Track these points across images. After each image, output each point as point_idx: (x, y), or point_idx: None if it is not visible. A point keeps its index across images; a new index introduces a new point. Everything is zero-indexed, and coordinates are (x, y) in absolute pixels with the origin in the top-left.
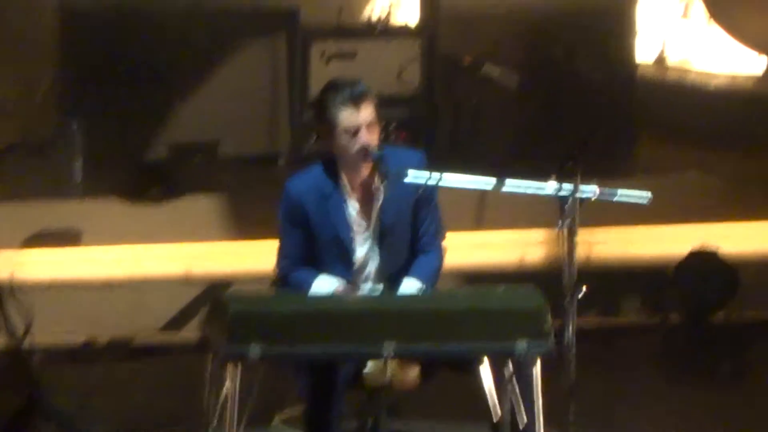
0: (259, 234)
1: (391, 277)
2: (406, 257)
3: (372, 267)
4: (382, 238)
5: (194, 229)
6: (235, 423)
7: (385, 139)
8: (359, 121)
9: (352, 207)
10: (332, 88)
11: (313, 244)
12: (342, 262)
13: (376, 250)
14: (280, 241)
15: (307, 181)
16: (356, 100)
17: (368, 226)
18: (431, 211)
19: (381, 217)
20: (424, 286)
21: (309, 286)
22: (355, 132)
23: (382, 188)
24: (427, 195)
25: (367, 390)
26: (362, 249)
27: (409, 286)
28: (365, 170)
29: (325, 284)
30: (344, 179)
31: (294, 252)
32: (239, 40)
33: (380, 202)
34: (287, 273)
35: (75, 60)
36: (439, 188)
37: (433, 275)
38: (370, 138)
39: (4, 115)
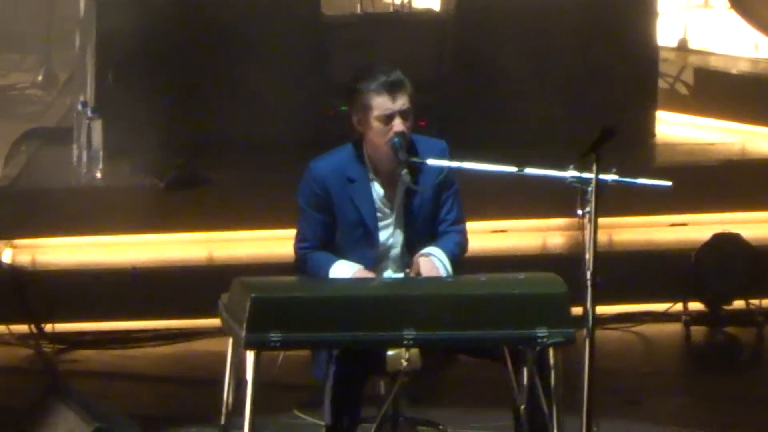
0: (282, 221)
1: (411, 263)
2: (428, 244)
3: (393, 253)
4: (405, 224)
5: (215, 217)
6: (254, 410)
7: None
8: (394, 109)
9: (377, 192)
10: (368, 73)
11: (332, 227)
12: (364, 247)
13: (399, 237)
14: (299, 224)
15: (331, 163)
16: (393, 88)
17: (391, 212)
18: (452, 197)
19: (405, 203)
20: (446, 257)
21: (327, 271)
22: (388, 120)
23: (404, 178)
24: (449, 181)
25: (387, 376)
26: (384, 234)
27: (430, 249)
28: (392, 157)
29: (343, 270)
30: (370, 163)
31: (313, 235)
32: (261, 27)
33: (404, 188)
34: (305, 256)
35: (99, 47)
36: (460, 178)
37: (454, 249)
38: (404, 126)
39: (26, 101)
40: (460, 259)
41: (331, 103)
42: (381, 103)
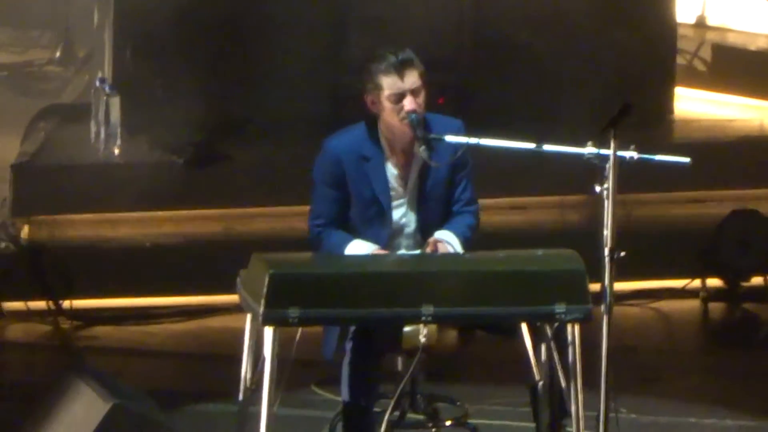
0: (300, 197)
1: (425, 243)
2: (440, 224)
3: (407, 232)
4: (419, 203)
5: (233, 193)
6: (273, 386)
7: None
8: (404, 87)
9: (391, 171)
10: (378, 54)
11: (346, 205)
12: (378, 225)
13: (412, 215)
14: (313, 201)
15: (347, 141)
16: (400, 67)
17: (405, 191)
18: (466, 177)
19: (419, 182)
20: (458, 238)
21: (342, 249)
22: (399, 98)
23: (421, 154)
24: (464, 161)
25: (405, 352)
26: (398, 213)
27: (442, 234)
28: (406, 136)
29: (359, 249)
30: (385, 143)
31: (327, 213)
32: (279, 4)
33: (419, 167)
34: (320, 234)
35: (118, 24)
36: (478, 155)
37: (466, 233)
38: (415, 104)
39: (43, 77)
40: (471, 240)
41: (348, 81)
42: (391, 83)
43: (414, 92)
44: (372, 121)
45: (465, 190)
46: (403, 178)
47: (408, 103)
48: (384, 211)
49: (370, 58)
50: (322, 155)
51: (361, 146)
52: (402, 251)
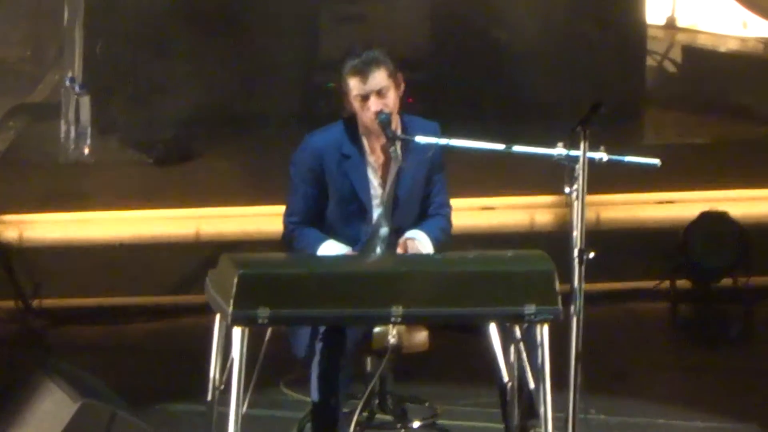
0: (269, 198)
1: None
2: (414, 225)
3: (383, 232)
4: (395, 203)
5: (204, 193)
6: (242, 386)
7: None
8: (367, 88)
9: (371, 170)
10: (347, 54)
11: (323, 203)
12: (357, 223)
13: (389, 216)
14: (290, 198)
15: (328, 138)
16: (363, 68)
17: (383, 190)
18: (441, 179)
19: (396, 183)
20: (429, 238)
21: (316, 249)
22: (364, 99)
23: (398, 154)
24: (439, 163)
25: (374, 352)
26: (376, 212)
27: (414, 233)
28: (381, 135)
29: (332, 249)
30: (364, 141)
31: (303, 210)
32: (249, 2)
33: (397, 167)
34: (294, 231)
35: (88, 22)
36: (447, 155)
37: (438, 235)
38: (382, 104)
39: (13, 75)
40: (443, 243)
41: (321, 79)
42: (354, 85)
43: (380, 93)
44: (352, 119)
45: (439, 192)
46: (383, 177)
47: (372, 104)
48: (365, 210)
49: (342, 58)
50: (301, 150)
51: (341, 144)
52: (377, 251)
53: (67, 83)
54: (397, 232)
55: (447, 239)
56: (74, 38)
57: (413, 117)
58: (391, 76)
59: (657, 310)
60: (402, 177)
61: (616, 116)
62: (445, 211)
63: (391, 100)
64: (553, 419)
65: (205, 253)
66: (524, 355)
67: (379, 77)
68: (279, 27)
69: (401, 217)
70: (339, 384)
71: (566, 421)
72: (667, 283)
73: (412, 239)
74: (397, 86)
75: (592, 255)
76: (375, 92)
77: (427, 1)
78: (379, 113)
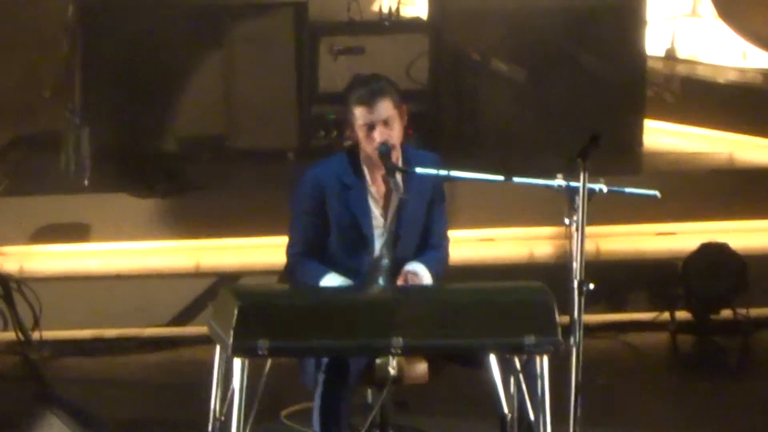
0: (268, 230)
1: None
2: (414, 257)
3: (384, 262)
4: (396, 234)
5: (203, 225)
6: (242, 418)
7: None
8: (373, 118)
9: (372, 200)
10: (352, 84)
11: (325, 234)
12: (359, 253)
13: (390, 247)
14: (291, 229)
15: (329, 169)
16: (370, 98)
17: (385, 221)
18: (441, 211)
19: (397, 214)
20: (429, 272)
21: (317, 281)
22: (370, 129)
23: (399, 186)
24: (440, 195)
25: (375, 384)
26: (377, 243)
27: (414, 266)
28: (385, 166)
29: (333, 282)
30: (366, 171)
31: (305, 241)
32: (248, 34)
33: (398, 198)
34: (296, 263)
35: (83, 54)
36: (447, 186)
37: (439, 268)
38: (387, 134)
39: (12, 108)
40: (441, 276)
41: (319, 111)
42: (360, 114)
43: (386, 123)
44: (354, 149)
45: (439, 223)
46: (384, 207)
47: (378, 135)
48: (366, 239)
49: (347, 87)
50: (302, 182)
51: (342, 174)
52: (379, 282)
53: (67, 114)
54: (397, 263)
55: (444, 272)
56: (74, 68)
57: (414, 148)
58: (397, 107)
59: (657, 341)
60: (403, 208)
61: (616, 147)
62: (444, 243)
63: (396, 130)
64: None
65: (205, 285)
66: (524, 387)
67: (386, 107)
68: (277, 59)
69: (402, 248)
70: (341, 415)
71: None
72: (666, 315)
73: (414, 273)
74: (401, 117)
75: (591, 286)
76: (381, 122)
77: (425, 34)
78: (380, 144)
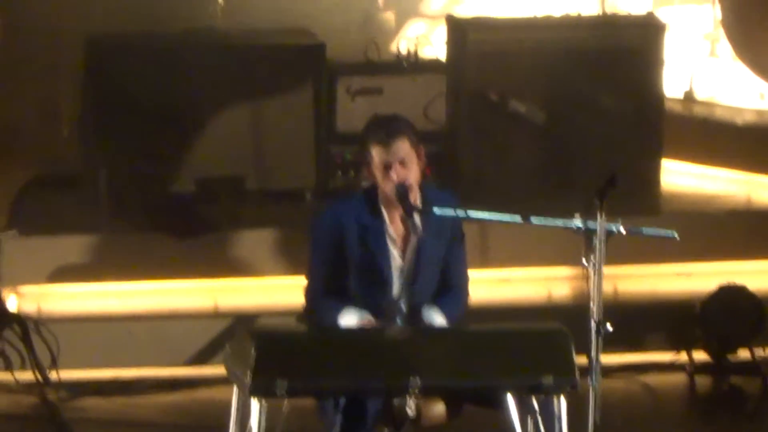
0: (286, 270)
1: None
2: (433, 297)
3: (402, 302)
4: (415, 275)
5: (221, 265)
6: None
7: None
8: (390, 158)
9: (390, 240)
10: (369, 124)
11: (344, 272)
12: (377, 293)
13: (408, 287)
14: (310, 269)
15: (347, 208)
16: (387, 137)
17: (403, 261)
18: (461, 252)
19: (416, 254)
20: (446, 318)
21: (336, 317)
22: (387, 168)
23: (417, 226)
24: (458, 233)
25: (393, 425)
26: (396, 283)
27: (432, 313)
28: (403, 206)
29: (352, 317)
30: (384, 211)
31: (324, 280)
32: (266, 75)
33: (417, 238)
34: (315, 301)
35: (102, 94)
36: (465, 225)
37: (456, 312)
38: (405, 174)
39: (30, 147)
40: (460, 319)
41: (337, 151)
42: (377, 153)
43: (402, 162)
44: (372, 190)
45: (458, 264)
46: (402, 248)
47: (395, 174)
48: (384, 281)
49: (364, 127)
50: (321, 219)
51: (360, 215)
52: (398, 320)
53: (85, 153)
54: (416, 303)
55: (463, 314)
56: (91, 108)
57: (432, 187)
58: (414, 146)
59: (674, 382)
60: (421, 248)
61: (634, 188)
62: (463, 283)
63: (414, 170)
64: None
65: (223, 325)
66: (542, 428)
67: (403, 147)
68: (295, 99)
69: (421, 288)
70: None
71: None
72: (684, 356)
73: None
74: (419, 157)
75: (609, 327)
76: (398, 162)
77: (442, 75)
78: (398, 184)
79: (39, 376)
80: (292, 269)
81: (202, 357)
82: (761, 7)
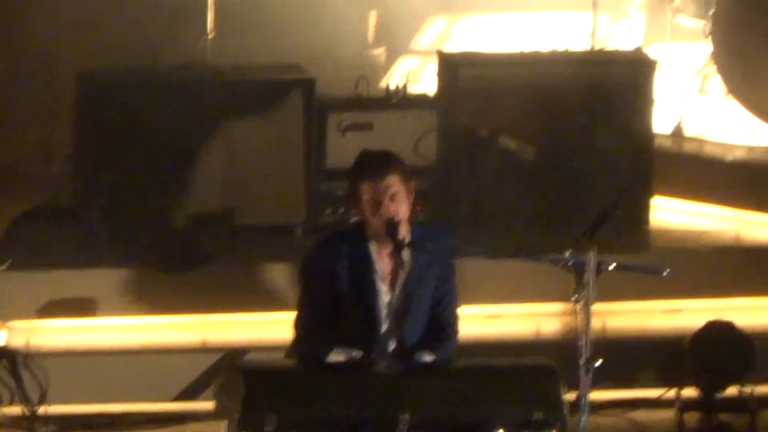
0: (275, 305)
1: (408, 348)
2: (423, 331)
3: (391, 338)
4: (403, 311)
5: (210, 300)
6: None
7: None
8: (379, 194)
9: (379, 277)
10: (359, 159)
11: (334, 308)
12: (365, 330)
13: (396, 324)
14: (300, 304)
15: (337, 244)
16: (377, 174)
17: (391, 296)
18: (451, 287)
19: (404, 290)
20: (438, 359)
21: (325, 355)
22: (377, 204)
23: (406, 262)
24: (449, 269)
25: None
26: (385, 320)
27: (423, 356)
28: (391, 243)
29: (340, 354)
30: (372, 248)
31: (313, 315)
32: (256, 110)
33: (406, 274)
34: (304, 336)
35: (93, 129)
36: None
37: (448, 351)
38: (394, 210)
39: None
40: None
41: (327, 187)
42: (367, 190)
43: (393, 198)
44: (362, 225)
45: (448, 300)
46: (391, 284)
47: (385, 210)
48: (373, 315)
49: (353, 163)
50: (310, 256)
51: (349, 250)
52: (386, 357)
53: (76, 189)
54: (405, 339)
55: (454, 351)
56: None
57: (423, 223)
58: (404, 182)
59: (663, 418)
60: (410, 284)
61: (623, 224)
62: (454, 321)
63: (404, 206)
64: None
65: (212, 360)
66: None
67: (393, 182)
68: (285, 134)
69: (410, 325)
70: None
71: None
72: (673, 392)
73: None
74: (409, 193)
75: (598, 363)
76: (388, 197)
77: (433, 111)
78: (387, 220)
79: (27, 411)
80: (282, 304)
81: (191, 392)
82: (756, 41)
